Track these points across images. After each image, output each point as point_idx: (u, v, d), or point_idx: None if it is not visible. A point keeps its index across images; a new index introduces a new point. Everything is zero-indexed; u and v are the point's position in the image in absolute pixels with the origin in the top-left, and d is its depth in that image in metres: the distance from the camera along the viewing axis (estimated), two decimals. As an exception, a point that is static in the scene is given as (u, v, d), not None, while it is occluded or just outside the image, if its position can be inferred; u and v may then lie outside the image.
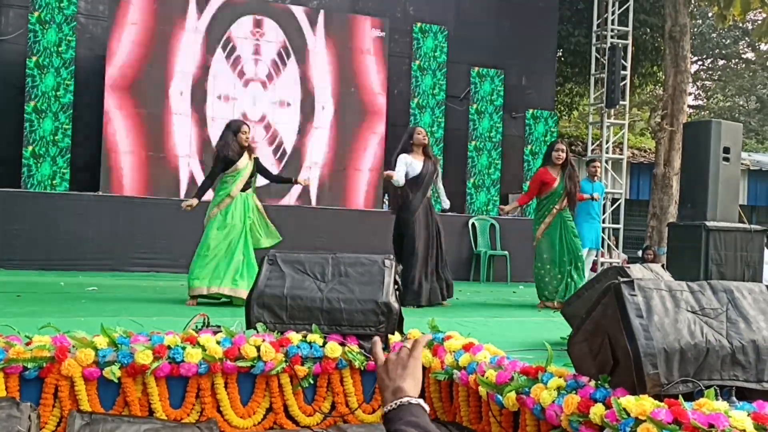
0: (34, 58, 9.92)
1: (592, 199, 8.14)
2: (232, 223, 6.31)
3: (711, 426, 2.02)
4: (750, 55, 28.59)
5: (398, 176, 6.87)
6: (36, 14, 9.95)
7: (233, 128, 6.50)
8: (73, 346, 2.84)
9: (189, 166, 10.38)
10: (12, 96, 9.98)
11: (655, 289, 2.47)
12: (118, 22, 10.09)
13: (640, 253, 14.52)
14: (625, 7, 13.63)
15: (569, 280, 7.29)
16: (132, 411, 2.85)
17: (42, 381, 2.78)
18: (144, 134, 10.23)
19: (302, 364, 3.14)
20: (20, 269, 8.66)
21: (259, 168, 6.60)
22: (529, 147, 13.08)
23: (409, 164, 6.94)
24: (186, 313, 4.13)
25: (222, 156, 6.39)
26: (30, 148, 9.90)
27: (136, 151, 10.17)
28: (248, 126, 6.58)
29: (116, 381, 2.84)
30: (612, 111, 13.69)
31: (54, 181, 10.00)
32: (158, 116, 10.30)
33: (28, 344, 2.82)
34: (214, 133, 10.36)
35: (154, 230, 9.44)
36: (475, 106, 12.57)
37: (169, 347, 2.93)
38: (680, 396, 2.22)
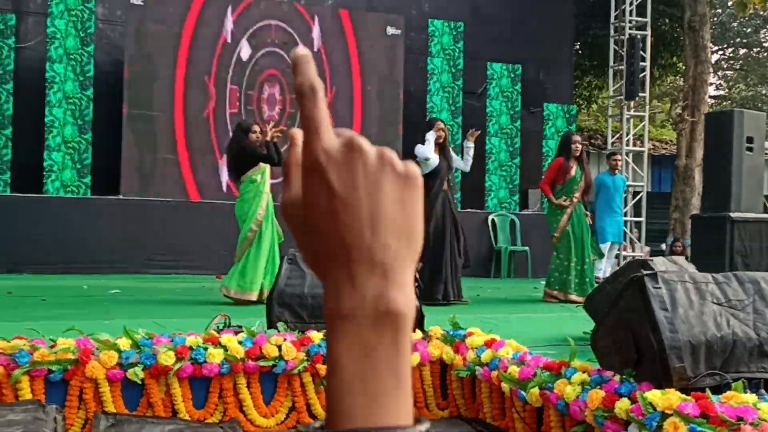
0: (53, 65, 10.02)
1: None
2: (268, 225, 6.35)
3: (740, 419, 1.99)
4: (771, 43, 28.23)
5: (428, 149, 6.77)
6: (54, 21, 10.04)
7: (243, 128, 6.55)
8: (97, 349, 2.85)
9: (208, 168, 10.42)
10: (32, 102, 10.08)
11: (680, 282, 2.44)
12: (135, 27, 10.15)
13: (663, 246, 14.38)
14: (642, -3, 13.50)
15: (585, 276, 7.34)
16: (156, 412, 2.87)
17: (67, 383, 2.80)
18: (163, 137, 10.29)
19: (324, 363, 3.14)
20: (44, 273, 8.75)
21: None
22: (548, 141, 13.00)
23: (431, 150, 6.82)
24: (207, 314, 4.15)
25: (249, 151, 6.34)
26: (51, 153, 9.99)
27: (156, 155, 10.23)
28: (258, 126, 6.61)
29: (140, 382, 2.85)
30: (632, 103, 13.56)
31: (75, 186, 10.09)
32: (177, 119, 10.35)
33: (52, 347, 2.84)
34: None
35: (175, 232, 9.50)
36: (492, 101, 12.52)
37: (191, 348, 2.94)
38: (707, 389, 2.19)
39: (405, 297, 0.49)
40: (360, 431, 0.47)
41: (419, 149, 6.77)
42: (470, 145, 7.31)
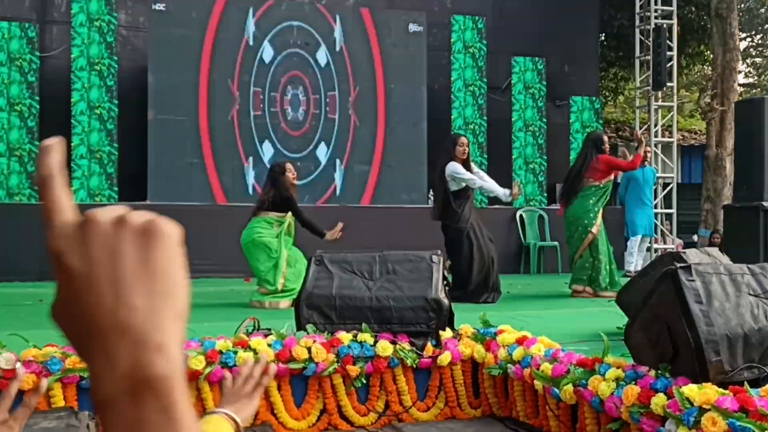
0: (78, 73, 10.13)
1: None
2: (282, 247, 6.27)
3: (781, 414, 1.94)
4: (801, 28, 27.67)
5: (476, 180, 6.84)
6: (78, 29, 10.16)
7: (279, 169, 6.37)
8: (127, 354, 2.87)
9: (234, 171, 10.48)
10: (58, 111, 10.20)
11: (714, 274, 2.39)
12: (158, 33, 10.23)
13: (695, 237, 14.19)
14: (668, -14, 13.30)
15: (613, 271, 7.29)
16: (187, 416, 2.87)
17: (98, 389, 2.81)
18: (188, 142, 10.36)
19: (354, 364, 3.12)
20: (76, 280, 8.84)
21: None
22: (575, 135, 12.87)
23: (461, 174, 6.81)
24: (236, 317, 4.16)
25: (284, 194, 6.20)
26: (77, 161, 10.11)
27: (181, 159, 10.31)
28: (291, 164, 6.50)
29: (170, 387, 2.86)
30: (659, 93, 13.37)
31: (102, 193, 10.20)
32: (202, 124, 10.42)
33: (83, 354, 2.86)
34: (258, 140, 10.49)
35: (202, 236, 9.54)
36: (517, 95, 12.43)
37: (220, 352, 2.94)
38: (746, 383, 2.14)
39: (165, 358, 0.45)
40: None
41: (460, 170, 6.75)
42: (496, 190, 7.02)
